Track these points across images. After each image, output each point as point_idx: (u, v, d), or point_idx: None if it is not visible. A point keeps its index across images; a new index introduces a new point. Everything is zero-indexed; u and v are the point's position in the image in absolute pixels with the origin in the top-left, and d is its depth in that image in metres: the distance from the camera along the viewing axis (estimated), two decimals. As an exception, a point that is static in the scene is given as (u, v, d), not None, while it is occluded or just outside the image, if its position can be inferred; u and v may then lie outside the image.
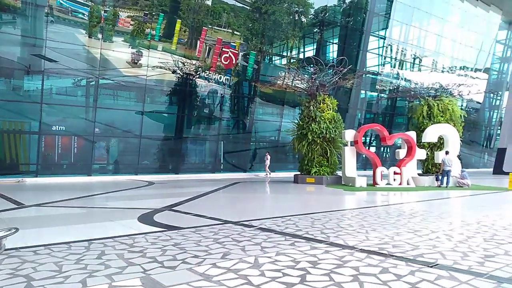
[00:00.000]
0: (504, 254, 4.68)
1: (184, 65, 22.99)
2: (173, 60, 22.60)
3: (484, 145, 38.16)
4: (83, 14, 20.34)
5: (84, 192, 13.30)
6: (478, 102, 36.54)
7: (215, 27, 23.83)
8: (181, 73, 23.00)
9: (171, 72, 22.68)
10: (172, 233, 5.79)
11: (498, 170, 27.01)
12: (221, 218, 7.14)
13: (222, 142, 25.01)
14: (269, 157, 23.37)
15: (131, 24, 21.46)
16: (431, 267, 4.05)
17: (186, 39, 23.10)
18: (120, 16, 21.11)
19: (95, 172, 21.07)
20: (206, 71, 23.77)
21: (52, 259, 4.26)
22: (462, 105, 31.97)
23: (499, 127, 35.78)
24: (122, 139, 22.50)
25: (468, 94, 21.31)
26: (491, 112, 38.56)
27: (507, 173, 16.44)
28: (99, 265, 3.98)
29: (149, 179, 20.10)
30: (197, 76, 23.51)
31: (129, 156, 22.57)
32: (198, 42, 23.25)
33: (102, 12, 20.57)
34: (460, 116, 18.84)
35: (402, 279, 3.63)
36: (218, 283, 3.43)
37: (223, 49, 23.81)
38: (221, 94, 24.41)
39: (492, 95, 37.15)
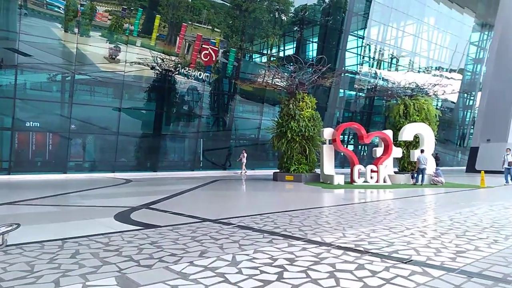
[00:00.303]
0: (474, 249, 4.83)
1: (163, 61, 22.71)
2: (152, 56, 22.29)
3: (458, 143, 39.28)
4: (59, 7, 19.80)
5: (59, 190, 12.99)
6: (452, 102, 37.54)
7: (195, 24, 23.62)
8: (160, 69, 22.72)
9: (149, 68, 22.37)
10: (149, 231, 5.73)
11: (471, 168, 27.84)
12: (199, 216, 7.10)
13: (201, 139, 24.86)
14: (245, 154, 23.25)
15: (109, 19, 21.03)
16: (405, 263, 4.14)
17: (165, 35, 22.81)
18: (97, 11, 20.65)
19: (71, 169, 20.60)
20: (185, 67, 23.55)
21: (24, 258, 4.15)
22: (437, 105, 32.76)
23: (472, 127, 36.88)
24: (99, 136, 22.07)
25: (443, 94, 21.87)
26: (465, 112, 39.70)
27: (480, 171, 16.98)
28: (73, 265, 3.90)
29: (127, 177, 19.80)
30: (177, 72, 23.27)
31: (106, 153, 22.16)
32: (178, 38, 23.00)
33: (79, 6, 20.08)
34: (435, 115, 19.32)
35: (377, 275, 3.70)
36: (195, 281, 3.41)
37: (203, 45, 23.64)
38: (201, 91, 24.24)
39: (466, 95, 38.25)
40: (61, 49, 20.10)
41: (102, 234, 5.47)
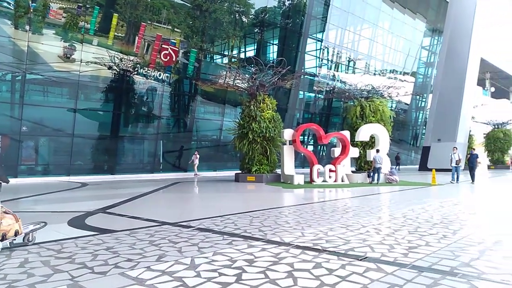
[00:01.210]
0: (425, 245, 5.06)
1: (121, 61, 22.09)
2: (109, 56, 21.62)
3: (411, 143, 41.10)
4: (8, 3, 18.76)
5: (8, 195, 12.28)
6: (406, 104, 39.23)
7: (155, 23, 23.17)
8: (118, 69, 22.07)
9: (107, 68, 21.68)
10: (104, 236, 5.55)
11: (423, 167, 29.19)
12: (158, 219, 6.96)
13: (161, 141, 24.40)
14: (197, 156, 22.90)
15: (63, 17, 20.18)
16: (360, 260, 4.28)
17: (123, 34, 22.20)
18: (51, 7, 19.75)
19: (22, 173, 19.56)
20: (144, 67, 23.03)
21: (-34, 270, 3.90)
22: (392, 106, 34.09)
23: (424, 127, 38.71)
24: (53, 138, 21.11)
25: (397, 96, 22.79)
26: (417, 113, 41.60)
27: (431, 170, 17.82)
28: (21, 274, 3.71)
29: (83, 180, 19.07)
30: (135, 72, 22.71)
31: (60, 156, 21.23)
32: (137, 37, 22.46)
33: (30, 2, 19.11)
34: (390, 116, 20.09)
35: (333, 273, 3.79)
36: (151, 286, 3.35)
37: (163, 45, 23.23)
38: (161, 91, 23.79)
39: (418, 97, 40.08)
40: (11, 47, 19.06)
41: (54, 240, 5.23)
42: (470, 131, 31.66)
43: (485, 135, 37.15)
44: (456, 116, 28.39)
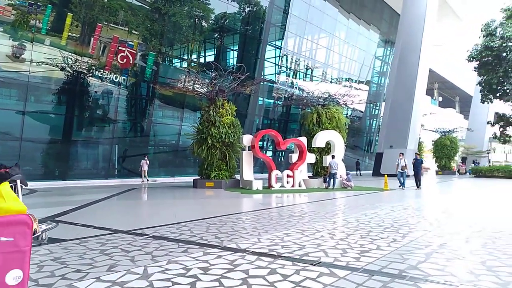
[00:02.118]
0: (376, 249, 5.25)
1: (76, 63, 21.23)
2: (63, 56, 20.72)
3: (366, 149, 42.59)
4: None
5: None
6: (360, 111, 40.65)
7: (111, 25, 22.52)
8: (71, 71, 21.19)
9: (59, 69, 20.75)
10: (52, 246, 5.28)
11: (377, 172, 30.31)
12: (111, 227, 6.73)
13: (117, 145, 23.65)
14: (147, 162, 22.14)
15: (12, 14, 19.12)
16: (314, 265, 4.36)
17: (78, 35, 21.38)
18: (-2, 3, 18.68)
19: (-38, 180, 18.18)
20: (100, 70, 22.28)
21: None
22: (347, 114, 35.21)
23: (377, 134, 40.26)
24: (-2, 142, 19.87)
25: (351, 104, 23.54)
26: (371, 120, 43.21)
27: (384, 175, 18.49)
28: (-44, 290, 3.44)
29: (32, 186, 18.05)
30: (90, 74, 21.91)
31: (6, 161, 19.85)
32: (92, 38, 21.71)
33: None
34: (345, 123, 20.71)
35: (288, 278, 3.84)
36: (101, 298, 3.23)
37: (120, 47, 22.60)
38: (117, 95, 23.10)
39: (372, 105, 41.66)
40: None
41: (-5, 252, 4.92)
42: (419, 138, 33.29)
43: (433, 142, 39.22)
44: (407, 123, 29.77)
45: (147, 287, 3.53)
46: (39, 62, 19.95)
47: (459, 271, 4.19)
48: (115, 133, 23.54)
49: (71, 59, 21.02)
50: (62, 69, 20.88)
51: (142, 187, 18.50)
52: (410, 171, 19.47)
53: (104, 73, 22.44)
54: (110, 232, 6.38)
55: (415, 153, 18.30)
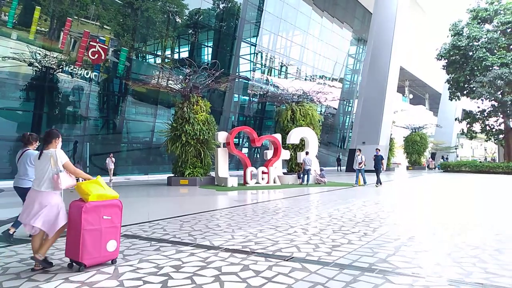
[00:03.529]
0: (347, 243, 5.36)
1: (44, 58, 20.52)
2: (30, 51, 19.98)
3: (339, 145, 43.25)
4: None
5: None
6: (334, 108, 41.20)
7: (82, 19, 21.88)
8: (40, 66, 20.48)
9: (27, 65, 20.02)
10: (19, 247, 5.12)
11: (350, 168, 30.84)
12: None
13: (88, 143, 23.07)
14: (113, 160, 20.81)
15: (-26, 6, 18.30)
16: (286, 260, 4.41)
17: (47, 29, 20.66)
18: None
19: None
20: (70, 65, 21.63)
21: None
22: (321, 111, 35.62)
23: (350, 130, 40.97)
24: (-39, 139, 19.02)
25: (325, 101, 23.85)
26: (345, 117, 43.90)
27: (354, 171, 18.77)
28: None
29: (-3, 186, 17.40)
30: (60, 70, 21.24)
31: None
32: (62, 33, 21.03)
33: None
34: (319, 120, 20.96)
35: (260, 274, 3.87)
36: (69, 299, 3.16)
37: (91, 43, 21.99)
38: (88, 91, 22.50)
39: (345, 102, 42.34)
40: None
41: (-43, 255, 4.72)
42: (391, 134, 34.10)
43: (404, 138, 40.30)
44: (378, 120, 30.43)
45: (117, 287, 3.48)
46: (5, 57, 19.19)
47: (426, 263, 4.34)
48: (86, 131, 22.95)
49: (39, 54, 20.32)
50: (30, 64, 20.15)
51: (111, 186, 18.14)
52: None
53: (74, 69, 21.81)
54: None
55: (376, 149, 17.44)
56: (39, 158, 4.15)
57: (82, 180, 4.29)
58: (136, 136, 26.39)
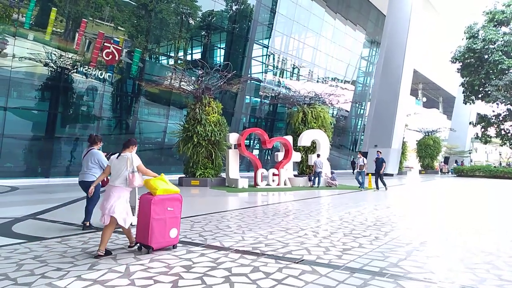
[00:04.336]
0: (358, 247, 5.32)
1: (60, 58, 20.85)
2: (46, 52, 20.32)
3: (351, 148, 42.93)
4: None
5: None
6: (346, 111, 40.93)
7: (97, 20, 22.18)
8: (55, 67, 20.81)
9: (43, 65, 20.36)
10: (33, 244, 5.20)
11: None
12: (93, 225, 6.66)
13: (101, 143, 23.35)
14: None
15: (-6, 8, 18.67)
16: (297, 263, 4.40)
17: (62, 30, 21.00)
18: (-23, -4, 18.20)
19: None
20: (85, 66, 21.93)
21: None
22: (333, 113, 35.43)
23: (362, 133, 40.64)
24: (-22, 138, 19.40)
25: (337, 103, 23.72)
26: (357, 120, 43.57)
27: (368, 174, 18.62)
28: None
29: (13, 184, 17.71)
30: (75, 71, 21.54)
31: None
32: (77, 34, 21.34)
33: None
34: (330, 122, 20.84)
35: (270, 276, 3.87)
36: (81, 297, 3.21)
37: (105, 44, 22.27)
38: (102, 91, 22.78)
39: (357, 104, 42.01)
40: None
41: (-26, 250, 4.83)
42: (403, 138, 33.75)
43: (417, 142, 39.83)
44: (391, 123, 30.13)
45: (128, 286, 3.51)
46: (22, 57, 19.54)
47: (438, 269, 4.29)
48: (99, 130, 23.22)
49: (55, 54, 20.65)
50: (46, 64, 20.48)
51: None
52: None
53: (89, 70, 22.10)
54: (93, 230, 6.31)
55: (377, 151, 16.94)
56: (117, 158, 4.98)
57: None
58: (148, 136, 26.61)
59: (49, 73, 20.80)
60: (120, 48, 22.99)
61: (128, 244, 5.09)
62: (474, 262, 4.58)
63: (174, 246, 5.05)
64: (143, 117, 25.24)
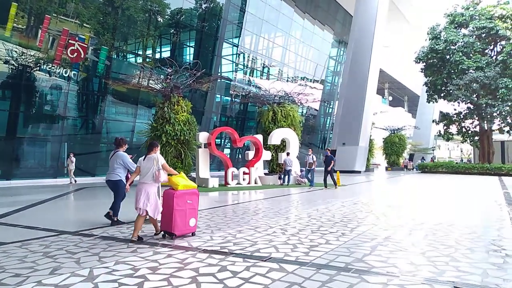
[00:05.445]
0: (325, 243, 5.43)
1: (22, 56, 20.00)
2: (6, 49, 19.44)
3: (320, 146, 43.56)
4: None
5: None
6: (315, 110, 41.49)
7: (61, 17, 21.42)
8: (16, 64, 19.96)
9: (2, 62, 19.48)
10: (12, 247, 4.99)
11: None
12: (56, 228, 6.45)
13: (66, 143, 22.60)
14: (73, 159, 19.41)
15: None
16: (264, 261, 4.43)
17: (24, 26, 20.15)
18: None
19: None
20: (49, 63, 21.14)
21: None
22: (303, 112, 35.83)
23: (331, 132, 41.32)
24: None
25: (306, 102, 24.02)
26: (325, 118, 44.26)
27: (336, 171, 18.95)
28: None
29: (-30, 187, 16.88)
30: (38, 68, 20.73)
31: None
32: (40, 31, 20.54)
33: None
34: (300, 121, 21.10)
35: (237, 275, 3.88)
36: (41, 302, 3.10)
37: (70, 41, 21.54)
38: (67, 90, 22.03)
39: (326, 103, 42.67)
40: None
41: None
42: (370, 135, 34.58)
43: (383, 140, 40.96)
44: (358, 121, 30.82)
45: (92, 289, 3.43)
46: (-21, 54, 18.63)
47: (401, 262, 4.43)
48: (64, 130, 22.48)
49: (16, 51, 19.80)
50: (6, 62, 19.63)
51: (70, 188, 17.82)
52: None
53: (53, 67, 21.34)
54: (56, 233, 6.11)
55: (326, 149, 16.65)
56: (144, 160, 5.95)
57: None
58: (116, 136, 26.00)
59: (10, 71, 19.95)
60: (86, 46, 22.33)
61: (154, 232, 5.96)
62: (434, 255, 4.77)
63: (193, 234, 5.88)
64: (110, 116, 24.63)
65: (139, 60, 26.39)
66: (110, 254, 4.72)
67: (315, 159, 16.59)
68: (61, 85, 22.00)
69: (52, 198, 12.09)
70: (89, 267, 4.11)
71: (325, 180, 15.62)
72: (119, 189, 7.05)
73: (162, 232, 5.79)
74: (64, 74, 21.90)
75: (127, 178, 7.09)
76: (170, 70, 17.76)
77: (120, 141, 7.42)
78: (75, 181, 19.54)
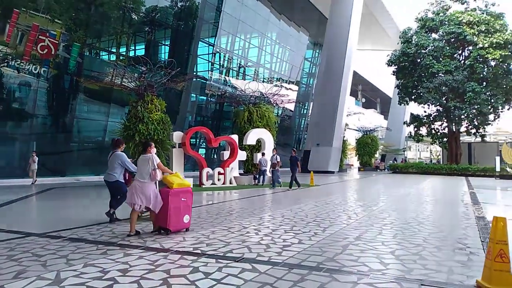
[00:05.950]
0: (298, 243, 5.48)
1: (-13, 51, 19.22)
2: (-29, 45, 18.66)
3: (295, 147, 43.95)
4: None
5: None
6: (291, 110, 41.78)
7: (31, 11, 20.70)
8: (-19, 60, 19.17)
9: (-33, 58, 18.68)
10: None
11: (304, 169, 31.46)
12: (22, 230, 6.23)
13: (35, 142, 21.86)
14: (35, 159, 18.59)
15: None
16: (237, 261, 4.43)
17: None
18: None
19: None
20: (17, 60, 20.40)
21: None
22: (278, 113, 36.00)
23: (306, 132, 41.73)
24: None
25: (281, 103, 24.17)
26: (300, 119, 44.66)
27: (310, 172, 19.22)
28: None
29: None
30: (5, 65, 19.97)
31: None
32: (8, 25, 19.78)
33: None
34: (275, 122, 21.23)
35: (209, 276, 3.86)
36: (3, 308, 2.99)
37: (40, 36, 20.86)
38: (36, 87, 21.31)
39: (301, 104, 43.06)
40: None
41: None
42: (344, 136, 35.13)
43: (356, 141, 41.71)
44: (332, 123, 31.27)
45: (58, 293, 3.34)
46: None
47: (371, 261, 4.53)
48: (33, 129, 21.75)
49: (-19, 47, 19.02)
50: (-30, 57, 18.83)
51: (36, 189, 17.32)
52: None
53: (21, 64, 20.61)
54: (21, 235, 5.90)
55: (292, 149, 16.69)
56: (139, 159, 6.34)
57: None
58: (87, 135, 25.36)
59: (-26, 67, 19.14)
60: (57, 42, 21.69)
61: (152, 229, 6.24)
62: (403, 254, 4.89)
63: (187, 229, 6.24)
64: (82, 115, 24.01)
65: (113, 57, 25.84)
66: (78, 256, 4.60)
67: (279, 159, 16.42)
68: (30, 82, 21.30)
69: (19, 199, 11.66)
70: (56, 270, 3.99)
71: (291, 181, 15.52)
72: (116, 190, 7.37)
73: (156, 228, 6.15)
74: (33, 71, 21.22)
75: (124, 177, 7.37)
76: (144, 69, 17.47)
77: (117, 142, 7.67)
78: (35, 181, 18.76)
